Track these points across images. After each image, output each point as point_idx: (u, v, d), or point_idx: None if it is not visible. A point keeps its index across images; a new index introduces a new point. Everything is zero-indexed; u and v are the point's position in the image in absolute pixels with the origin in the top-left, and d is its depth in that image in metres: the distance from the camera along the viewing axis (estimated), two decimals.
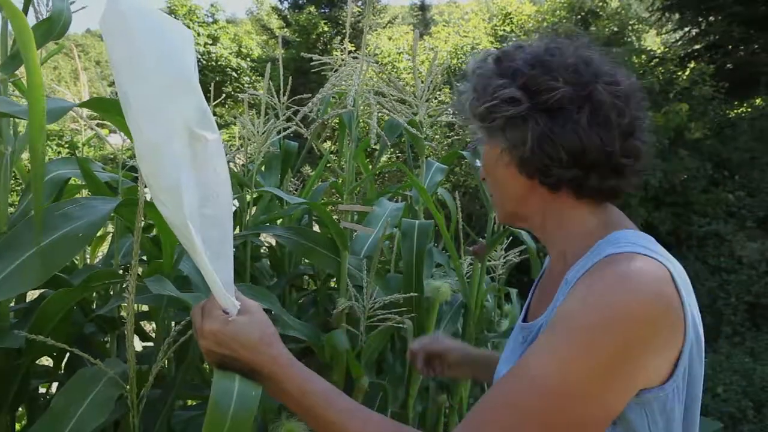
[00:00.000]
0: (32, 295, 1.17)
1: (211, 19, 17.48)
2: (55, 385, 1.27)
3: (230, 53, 16.49)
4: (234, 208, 1.37)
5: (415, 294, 1.36)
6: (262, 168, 1.52)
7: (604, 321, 0.65)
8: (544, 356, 0.68)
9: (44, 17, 1.11)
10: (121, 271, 1.27)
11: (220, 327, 0.71)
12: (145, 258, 1.26)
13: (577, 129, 0.73)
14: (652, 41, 9.38)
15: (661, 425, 0.70)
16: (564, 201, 0.80)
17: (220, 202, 0.73)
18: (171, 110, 0.65)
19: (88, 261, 1.62)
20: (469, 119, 0.83)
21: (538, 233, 0.87)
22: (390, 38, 9.60)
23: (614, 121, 0.74)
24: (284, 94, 1.46)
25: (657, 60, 7.49)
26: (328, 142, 3.78)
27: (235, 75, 16.28)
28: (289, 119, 1.44)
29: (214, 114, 0.83)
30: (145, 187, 1.35)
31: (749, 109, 7.68)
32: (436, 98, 1.63)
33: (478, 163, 0.89)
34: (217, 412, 0.67)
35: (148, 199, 0.88)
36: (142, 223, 0.86)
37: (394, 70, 8.05)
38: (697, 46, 7.96)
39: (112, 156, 1.39)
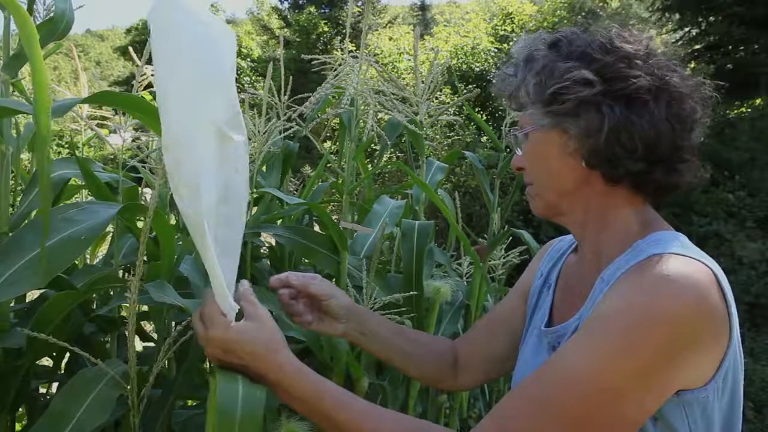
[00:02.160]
0: (32, 295, 1.17)
1: None
2: (55, 385, 1.27)
3: None
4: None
5: (415, 294, 1.36)
6: (263, 168, 1.52)
7: (646, 321, 0.64)
8: (581, 353, 0.66)
9: (42, 17, 1.11)
10: (121, 272, 1.27)
11: (224, 334, 0.71)
12: (145, 258, 1.26)
13: (653, 120, 0.71)
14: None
15: (701, 426, 0.68)
16: (616, 196, 0.77)
17: (237, 202, 0.73)
18: (202, 107, 0.67)
19: (89, 261, 1.62)
20: (524, 104, 0.78)
21: (575, 229, 0.83)
22: (390, 38, 9.60)
23: (687, 115, 0.73)
24: (285, 94, 1.45)
25: None
26: (328, 142, 3.78)
27: (236, 75, 16.27)
28: (289, 119, 1.44)
29: None
30: (147, 187, 1.36)
31: (749, 110, 7.68)
32: (436, 98, 1.62)
33: (519, 151, 0.84)
34: (224, 418, 0.66)
35: (151, 199, 0.89)
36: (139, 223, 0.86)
37: (395, 70, 8.05)
38: (697, 47, 7.95)
39: (112, 156, 1.39)
